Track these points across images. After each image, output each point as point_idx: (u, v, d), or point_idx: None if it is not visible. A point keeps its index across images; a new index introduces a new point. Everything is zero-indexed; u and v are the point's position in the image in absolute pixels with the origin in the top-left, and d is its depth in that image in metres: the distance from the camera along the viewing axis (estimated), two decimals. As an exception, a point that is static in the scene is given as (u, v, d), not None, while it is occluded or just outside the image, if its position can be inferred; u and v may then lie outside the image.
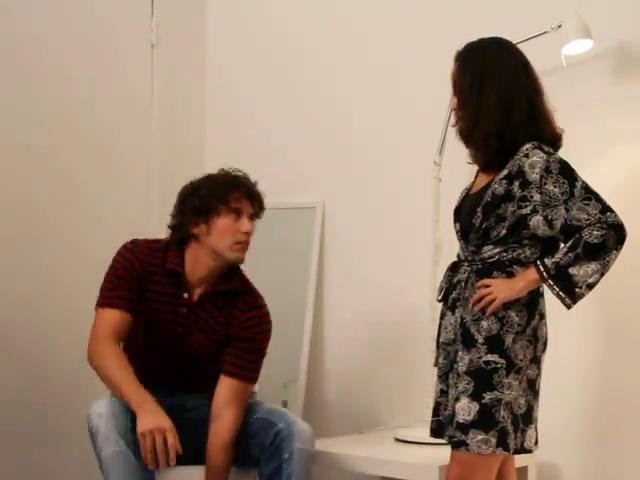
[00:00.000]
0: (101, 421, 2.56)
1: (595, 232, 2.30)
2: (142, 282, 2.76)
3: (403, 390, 3.43)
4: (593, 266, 2.31)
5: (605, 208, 2.33)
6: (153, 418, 2.56)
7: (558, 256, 2.34)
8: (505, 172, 2.40)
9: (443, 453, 2.56)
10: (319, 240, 3.71)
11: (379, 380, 3.52)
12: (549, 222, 2.36)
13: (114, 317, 2.72)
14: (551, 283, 2.34)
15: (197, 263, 2.78)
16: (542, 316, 2.44)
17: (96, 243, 3.60)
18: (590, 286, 2.33)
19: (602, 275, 2.32)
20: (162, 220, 3.09)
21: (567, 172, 2.36)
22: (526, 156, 2.37)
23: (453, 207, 2.62)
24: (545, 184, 2.34)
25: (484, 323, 2.38)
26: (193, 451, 2.70)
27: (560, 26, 2.98)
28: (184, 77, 4.04)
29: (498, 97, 2.43)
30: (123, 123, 3.77)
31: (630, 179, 3.02)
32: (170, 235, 2.84)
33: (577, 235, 2.32)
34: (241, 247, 2.78)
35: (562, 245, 2.38)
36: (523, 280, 2.37)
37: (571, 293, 2.33)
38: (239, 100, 4.03)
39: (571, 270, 2.32)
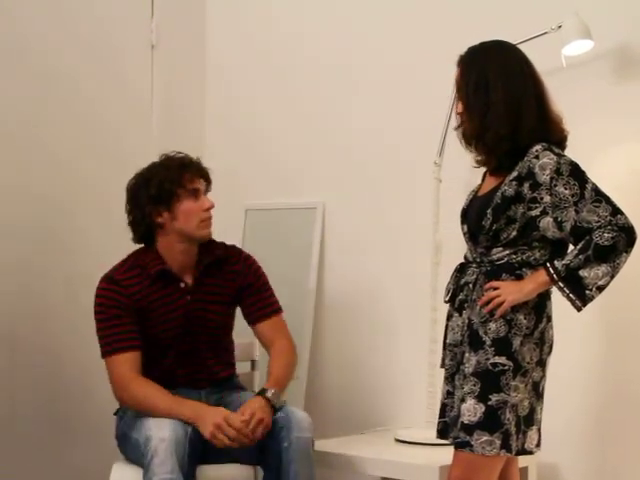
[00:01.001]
0: (162, 445, 2.54)
1: (606, 234, 2.29)
2: (137, 306, 2.80)
3: (403, 390, 3.43)
4: (603, 268, 2.31)
5: (615, 210, 2.32)
6: (209, 419, 2.63)
7: (568, 258, 2.34)
8: (515, 174, 2.40)
9: (444, 454, 2.57)
10: (319, 240, 3.71)
11: (379, 380, 3.52)
12: (559, 224, 2.35)
13: (126, 360, 2.76)
14: (561, 285, 2.33)
15: (172, 251, 2.86)
16: (549, 319, 2.44)
17: (96, 243, 3.60)
18: (600, 288, 2.32)
19: (612, 277, 2.32)
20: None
21: (578, 174, 2.36)
22: (536, 157, 2.36)
23: (453, 208, 2.62)
24: (555, 186, 2.34)
25: (492, 325, 2.38)
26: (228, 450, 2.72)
27: (560, 27, 2.98)
28: (184, 77, 4.04)
29: (506, 100, 2.42)
30: (123, 123, 3.77)
31: (630, 179, 3.02)
32: (133, 232, 2.89)
33: (587, 237, 2.31)
34: (207, 224, 2.89)
35: (572, 247, 2.38)
36: (532, 282, 2.37)
37: (581, 295, 2.33)
38: (239, 100, 4.02)
39: (581, 272, 2.31)
